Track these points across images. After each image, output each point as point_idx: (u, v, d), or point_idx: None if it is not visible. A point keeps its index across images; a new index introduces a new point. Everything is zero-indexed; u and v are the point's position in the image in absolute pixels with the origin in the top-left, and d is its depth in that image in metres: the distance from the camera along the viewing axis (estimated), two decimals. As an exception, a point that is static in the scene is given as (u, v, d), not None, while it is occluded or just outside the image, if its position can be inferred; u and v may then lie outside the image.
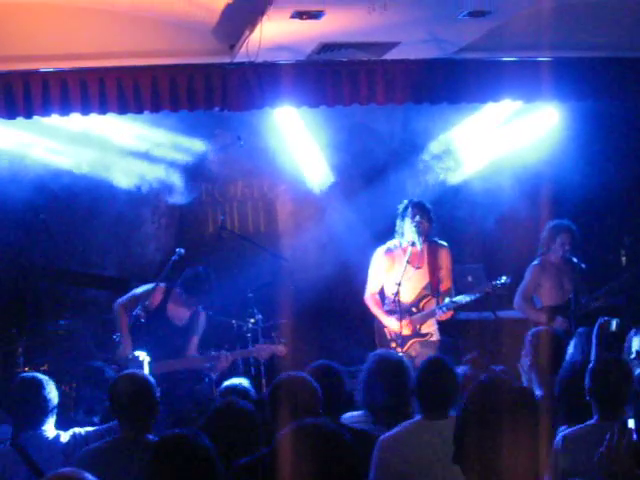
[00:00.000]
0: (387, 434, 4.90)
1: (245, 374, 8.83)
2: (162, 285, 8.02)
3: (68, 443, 5.15)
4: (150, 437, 4.81)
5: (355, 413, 5.64)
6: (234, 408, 4.82)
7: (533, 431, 2.48)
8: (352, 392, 6.19)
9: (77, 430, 5.26)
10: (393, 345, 7.83)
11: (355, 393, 5.90)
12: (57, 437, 5.20)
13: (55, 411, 5.30)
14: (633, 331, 6.83)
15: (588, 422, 4.74)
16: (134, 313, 7.81)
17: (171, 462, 3.34)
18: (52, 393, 5.32)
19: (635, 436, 3.20)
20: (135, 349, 7.67)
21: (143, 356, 5.62)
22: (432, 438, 4.69)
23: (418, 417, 4.94)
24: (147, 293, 7.96)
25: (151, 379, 5.05)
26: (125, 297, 8.04)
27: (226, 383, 6.27)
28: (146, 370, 5.60)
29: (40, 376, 5.44)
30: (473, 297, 8.08)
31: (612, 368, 4.86)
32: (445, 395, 4.92)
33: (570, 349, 6.60)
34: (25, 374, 5.68)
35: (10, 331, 8.65)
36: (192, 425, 4.90)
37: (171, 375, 8.27)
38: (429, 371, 5.05)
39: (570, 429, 4.70)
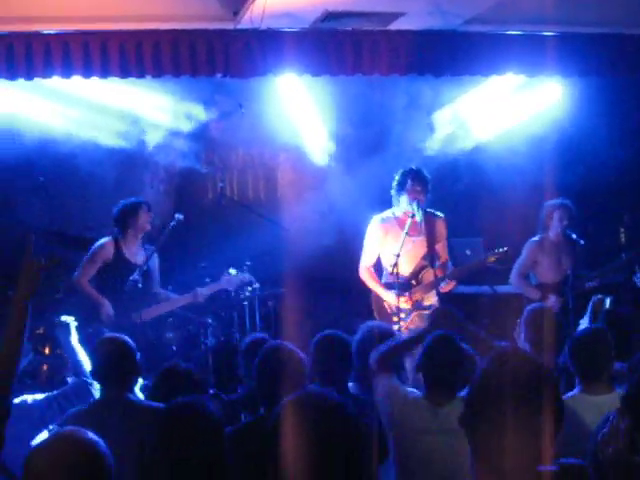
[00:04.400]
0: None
1: (240, 327, 8.94)
2: (108, 238, 8.26)
3: None
4: (131, 397, 4.88)
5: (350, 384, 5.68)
6: (177, 370, 5.00)
7: (545, 408, 2.46)
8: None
9: (27, 397, 5.22)
10: (395, 319, 7.77)
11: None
12: None
13: None
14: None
15: (570, 393, 4.78)
16: (131, 278, 7.86)
17: (180, 428, 3.36)
18: None
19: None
20: (115, 304, 7.92)
21: (70, 319, 5.63)
22: None
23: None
24: (100, 251, 8.19)
25: (131, 342, 5.12)
26: (78, 271, 8.17)
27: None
28: (73, 335, 5.60)
29: None
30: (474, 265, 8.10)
31: (590, 339, 4.93)
32: None
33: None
34: None
35: (6, 293, 8.63)
36: None
37: (164, 340, 8.34)
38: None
39: None
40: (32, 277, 3.97)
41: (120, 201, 8.38)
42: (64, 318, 5.66)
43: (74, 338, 5.64)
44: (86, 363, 5.50)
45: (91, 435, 2.91)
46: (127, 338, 5.16)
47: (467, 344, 5.00)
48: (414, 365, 5.56)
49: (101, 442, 2.90)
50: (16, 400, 5.15)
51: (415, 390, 5.02)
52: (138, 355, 5.14)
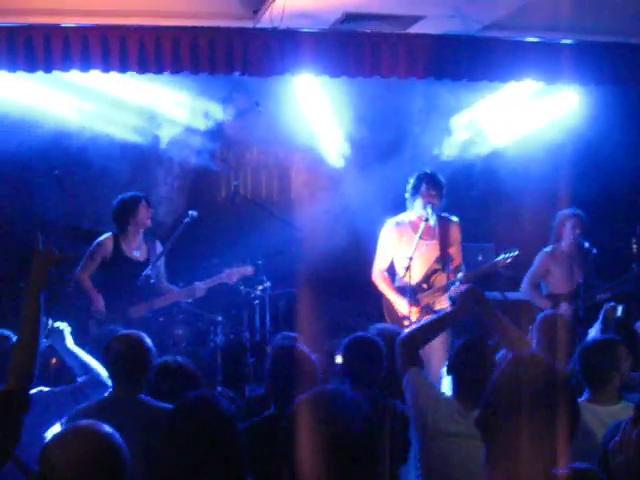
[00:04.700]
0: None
1: (249, 325, 8.95)
2: (108, 234, 8.19)
3: None
4: (142, 397, 4.83)
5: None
6: (169, 366, 5.02)
7: (561, 413, 2.46)
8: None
9: (43, 388, 5.21)
10: (406, 323, 7.76)
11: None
12: None
13: None
14: None
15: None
16: (144, 273, 7.84)
17: (192, 425, 3.30)
18: None
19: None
20: (112, 300, 7.89)
21: (63, 325, 5.59)
22: None
23: None
24: (98, 248, 8.14)
25: (148, 341, 5.05)
26: (80, 266, 8.13)
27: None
28: (68, 339, 5.57)
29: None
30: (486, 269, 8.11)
31: (599, 348, 4.91)
32: None
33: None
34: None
35: (17, 284, 8.64)
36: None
37: (174, 337, 8.32)
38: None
39: None
40: (42, 269, 3.99)
41: (118, 196, 8.27)
42: (57, 324, 5.62)
43: (70, 342, 5.59)
44: (91, 361, 5.46)
45: (107, 428, 2.91)
46: (143, 335, 5.06)
47: (490, 326, 4.90)
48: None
49: (117, 435, 2.89)
50: (32, 390, 5.16)
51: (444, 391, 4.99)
52: (154, 353, 5.09)
